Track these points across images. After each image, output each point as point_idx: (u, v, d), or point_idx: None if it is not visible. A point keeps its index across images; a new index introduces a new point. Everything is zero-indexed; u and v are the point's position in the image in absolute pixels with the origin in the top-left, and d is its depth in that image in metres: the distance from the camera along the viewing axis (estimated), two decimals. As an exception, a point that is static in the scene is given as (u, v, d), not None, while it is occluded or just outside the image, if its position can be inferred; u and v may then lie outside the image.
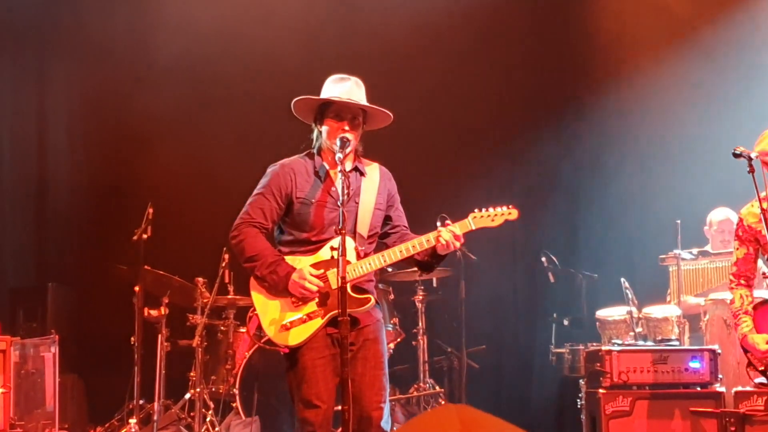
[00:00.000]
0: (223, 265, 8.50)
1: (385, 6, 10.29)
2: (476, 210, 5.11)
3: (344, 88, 5.27)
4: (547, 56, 10.57)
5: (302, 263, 5.11)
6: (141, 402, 8.58)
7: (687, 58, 10.24)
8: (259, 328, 5.18)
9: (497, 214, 5.12)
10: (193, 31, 10.09)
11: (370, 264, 5.09)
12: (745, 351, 6.18)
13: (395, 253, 5.10)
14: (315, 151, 5.33)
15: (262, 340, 5.14)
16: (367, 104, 5.30)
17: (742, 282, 6.34)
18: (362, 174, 5.31)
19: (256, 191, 5.29)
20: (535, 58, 10.58)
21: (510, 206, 5.15)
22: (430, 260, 5.23)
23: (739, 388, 7.14)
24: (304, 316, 5.06)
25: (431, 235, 5.06)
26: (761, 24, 10.05)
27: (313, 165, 5.28)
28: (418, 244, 5.08)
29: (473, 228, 5.08)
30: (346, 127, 5.19)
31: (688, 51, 10.25)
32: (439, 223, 5.23)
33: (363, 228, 5.20)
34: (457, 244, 5.06)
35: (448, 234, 5.01)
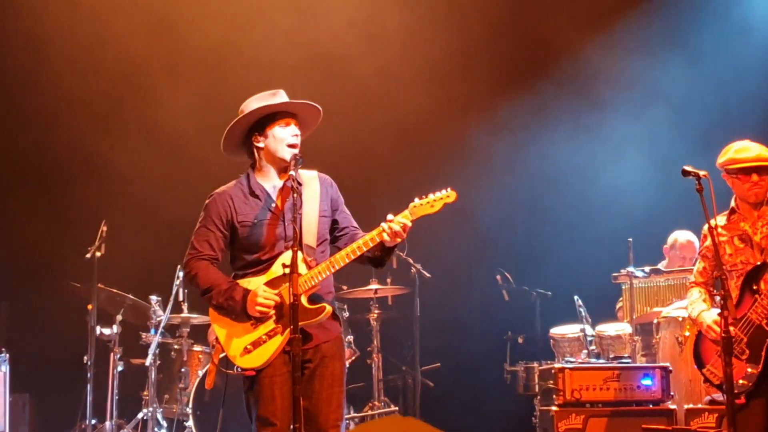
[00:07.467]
0: (177, 283, 8.45)
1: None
2: (416, 198, 5.11)
3: (282, 99, 5.31)
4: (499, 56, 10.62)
5: (253, 284, 5.11)
6: (93, 422, 8.51)
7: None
8: (224, 356, 5.16)
9: (436, 199, 5.09)
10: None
11: (320, 273, 5.07)
12: (700, 367, 6.16)
13: (343, 258, 5.09)
14: (249, 170, 5.34)
15: (230, 369, 5.14)
16: (317, 105, 5.35)
17: (702, 285, 6.30)
18: (300, 184, 5.25)
19: (198, 225, 5.30)
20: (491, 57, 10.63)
21: (448, 189, 5.13)
22: (380, 255, 5.22)
23: (691, 406, 7.22)
24: (264, 336, 5.06)
25: (375, 233, 5.05)
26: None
27: (248, 186, 5.29)
28: (363, 244, 5.07)
29: (414, 217, 5.06)
30: (297, 131, 5.24)
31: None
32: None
33: (310, 238, 5.19)
34: (400, 237, 5.03)
35: (389, 228, 5.00)
